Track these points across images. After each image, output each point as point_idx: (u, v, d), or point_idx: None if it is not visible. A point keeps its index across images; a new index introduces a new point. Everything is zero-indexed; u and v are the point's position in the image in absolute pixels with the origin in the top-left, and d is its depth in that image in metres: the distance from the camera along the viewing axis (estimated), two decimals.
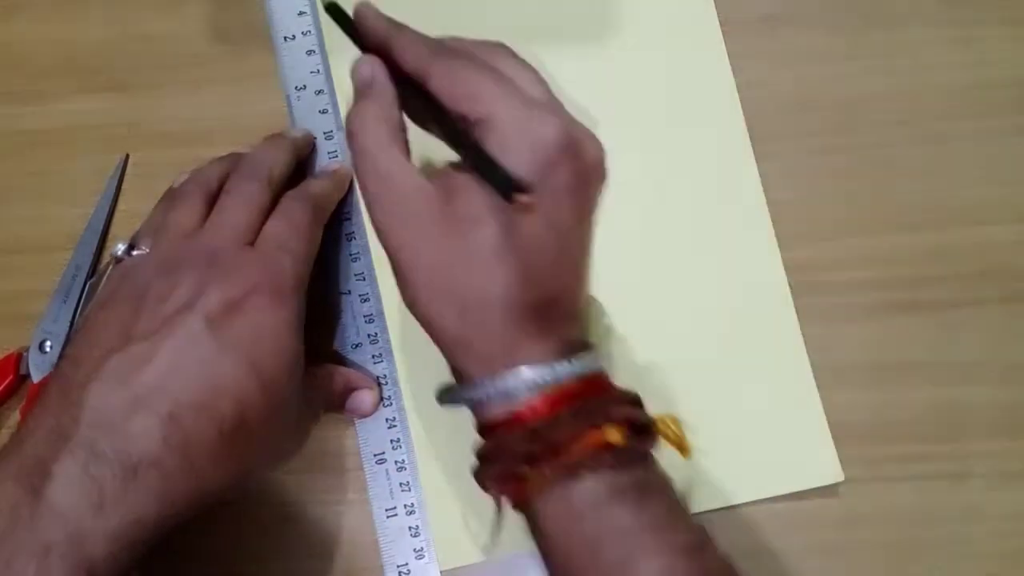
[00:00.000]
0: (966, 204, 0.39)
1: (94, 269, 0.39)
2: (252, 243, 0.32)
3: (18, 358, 0.38)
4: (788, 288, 0.38)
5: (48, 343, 0.38)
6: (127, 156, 0.40)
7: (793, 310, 0.38)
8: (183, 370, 0.28)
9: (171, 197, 0.35)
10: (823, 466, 0.37)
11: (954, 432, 0.37)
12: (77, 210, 0.40)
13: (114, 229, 0.40)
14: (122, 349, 0.29)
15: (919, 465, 0.37)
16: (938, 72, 0.40)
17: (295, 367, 0.31)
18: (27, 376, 0.38)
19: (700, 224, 0.39)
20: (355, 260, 0.38)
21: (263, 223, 0.33)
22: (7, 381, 0.38)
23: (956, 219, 0.39)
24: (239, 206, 0.33)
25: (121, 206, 0.40)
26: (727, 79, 0.39)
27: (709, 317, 0.38)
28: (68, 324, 0.38)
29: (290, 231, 0.33)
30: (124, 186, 0.40)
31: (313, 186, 0.36)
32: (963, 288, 0.38)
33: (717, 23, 0.40)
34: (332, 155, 0.39)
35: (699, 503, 0.36)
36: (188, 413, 0.28)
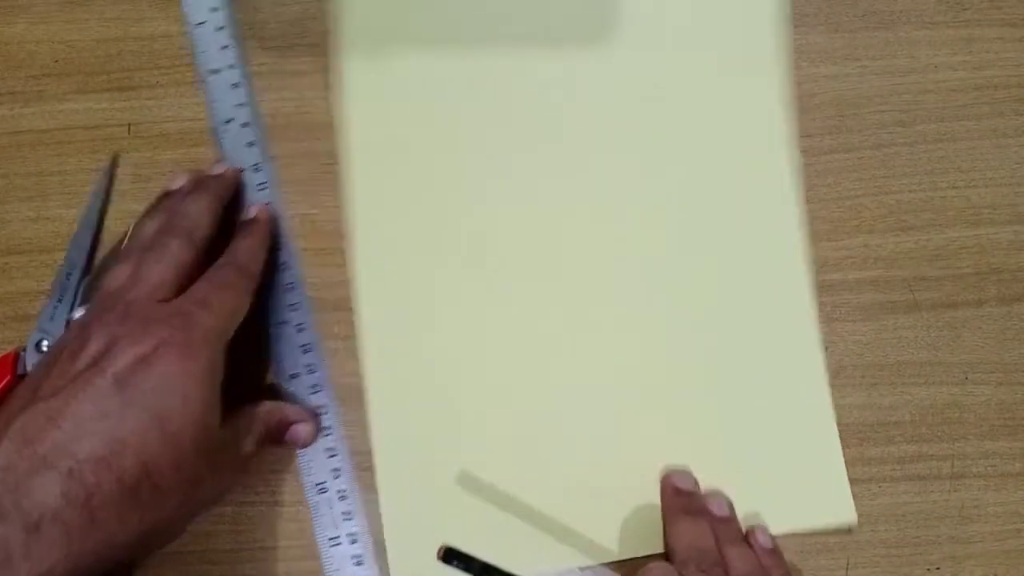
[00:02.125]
0: (966, 204, 0.39)
1: (88, 268, 0.39)
2: (169, 300, 0.32)
3: (15, 358, 0.38)
4: (816, 322, 0.38)
5: (45, 342, 0.38)
6: (116, 154, 0.40)
7: (820, 351, 0.37)
8: (85, 426, 0.29)
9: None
10: (837, 506, 0.36)
11: (954, 432, 0.37)
12: (76, 211, 0.40)
13: (107, 227, 0.40)
14: (30, 408, 0.29)
15: (919, 465, 0.37)
16: (938, 72, 0.40)
17: (206, 417, 0.31)
18: (25, 376, 0.38)
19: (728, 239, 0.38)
20: (289, 290, 0.38)
21: (186, 280, 0.33)
22: (5, 381, 0.38)
23: (956, 219, 0.39)
24: (159, 262, 0.33)
25: (121, 206, 0.40)
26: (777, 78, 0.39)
27: (730, 341, 0.38)
28: (64, 323, 0.38)
29: (210, 288, 0.33)
30: (124, 187, 0.40)
31: (239, 250, 0.36)
32: (963, 288, 0.38)
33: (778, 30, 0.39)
34: (261, 186, 0.39)
35: None
36: (88, 468, 0.28)
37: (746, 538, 0.35)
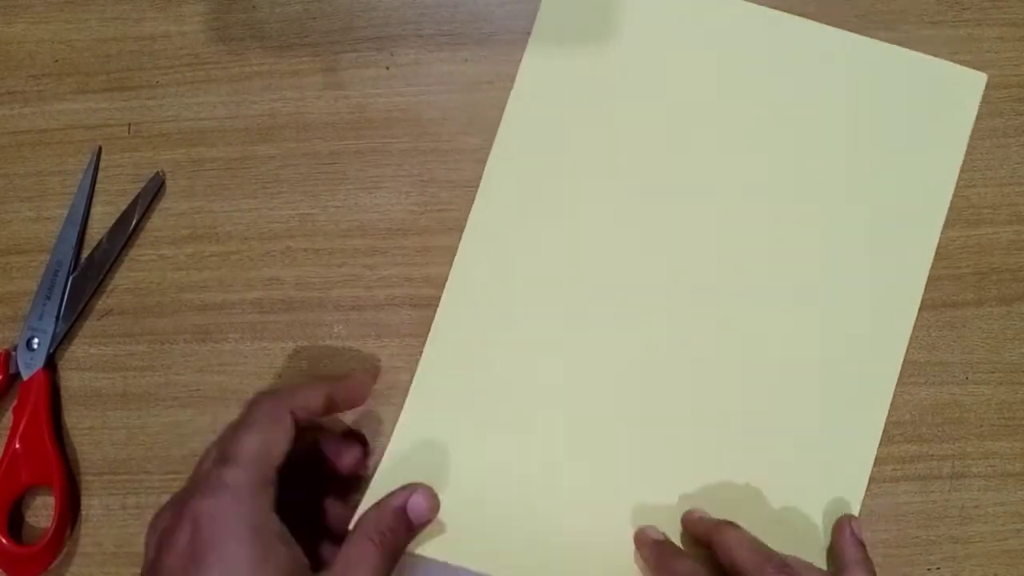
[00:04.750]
0: (966, 204, 0.39)
1: (75, 264, 0.39)
2: None
3: (6, 357, 0.38)
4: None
5: (36, 340, 0.38)
6: (99, 148, 0.40)
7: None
8: None
9: None
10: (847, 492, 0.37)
11: (954, 432, 0.37)
12: None
13: (92, 224, 0.40)
14: None
15: (919, 465, 0.37)
16: None
17: None
18: (17, 375, 0.38)
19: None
20: None
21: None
22: None
23: (956, 219, 0.39)
24: None
25: (120, 206, 0.40)
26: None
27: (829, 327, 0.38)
28: (54, 320, 0.38)
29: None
30: (124, 186, 0.40)
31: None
32: (963, 288, 0.38)
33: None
34: None
35: None
36: None
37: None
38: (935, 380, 0.38)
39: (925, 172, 0.38)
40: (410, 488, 0.34)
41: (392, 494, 0.34)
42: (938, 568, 0.37)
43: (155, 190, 0.40)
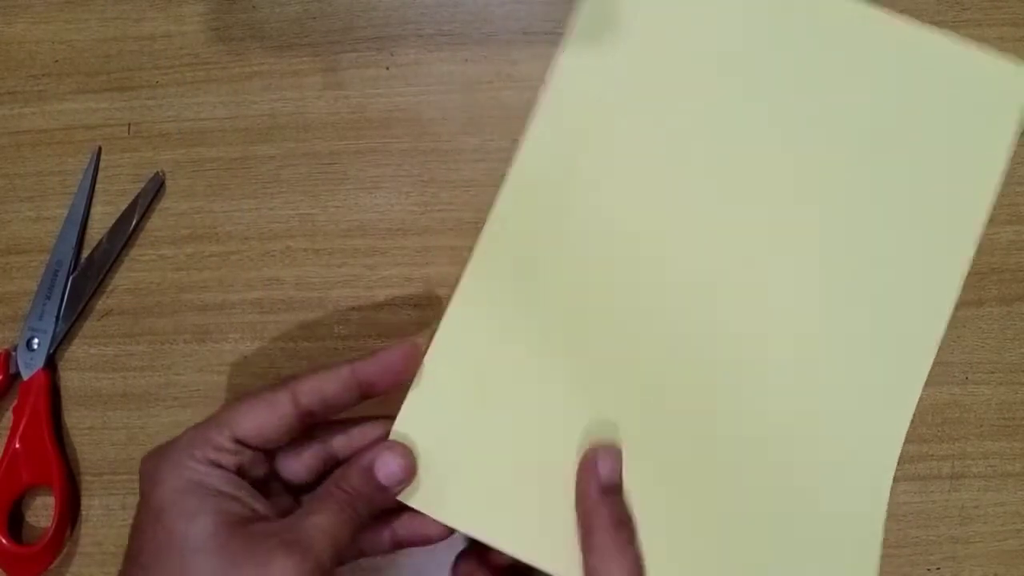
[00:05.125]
0: None
1: (75, 264, 0.39)
2: None
3: (6, 357, 0.38)
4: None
5: (36, 340, 0.38)
6: (100, 148, 0.40)
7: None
8: None
9: None
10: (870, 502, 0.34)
11: (954, 432, 0.37)
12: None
13: (92, 224, 0.40)
14: None
15: (919, 465, 0.37)
16: None
17: None
18: (17, 375, 0.38)
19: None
20: None
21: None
22: None
23: None
24: None
25: (120, 205, 0.40)
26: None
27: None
28: (53, 320, 0.38)
29: None
30: (123, 186, 0.40)
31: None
32: (963, 288, 0.38)
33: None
34: None
35: None
36: None
37: None
38: (935, 380, 0.37)
39: (967, 167, 0.37)
40: (382, 446, 0.32)
41: (362, 452, 0.32)
42: (938, 568, 0.37)
43: (155, 190, 0.40)
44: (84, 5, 0.41)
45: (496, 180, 0.36)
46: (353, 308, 0.39)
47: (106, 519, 0.39)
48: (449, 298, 0.35)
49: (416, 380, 0.35)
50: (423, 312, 0.39)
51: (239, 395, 0.31)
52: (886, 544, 0.36)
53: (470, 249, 0.35)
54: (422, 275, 0.39)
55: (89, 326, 0.40)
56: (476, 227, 0.36)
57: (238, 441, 0.30)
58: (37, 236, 0.40)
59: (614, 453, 0.33)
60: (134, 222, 0.39)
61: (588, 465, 0.32)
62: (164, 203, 0.40)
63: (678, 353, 0.36)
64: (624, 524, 0.31)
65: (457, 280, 0.35)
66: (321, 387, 0.31)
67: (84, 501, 0.39)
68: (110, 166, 0.40)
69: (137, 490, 0.39)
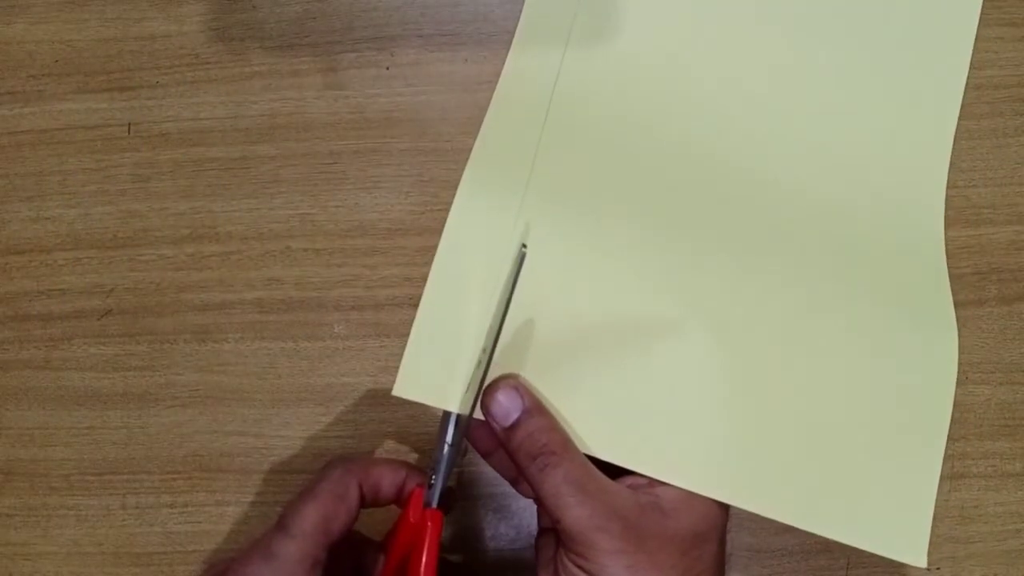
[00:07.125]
0: (966, 204, 0.39)
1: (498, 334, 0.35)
2: None
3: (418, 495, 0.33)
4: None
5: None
6: (524, 247, 0.36)
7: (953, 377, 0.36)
8: None
9: None
10: (909, 541, 0.33)
11: (954, 432, 0.37)
12: (76, 210, 0.40)
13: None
14: None
15: None
16: None
17: None
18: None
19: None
20: None
21: None
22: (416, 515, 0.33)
23: (956, 219, 0.39)
24: None
25: (120, 206, 0.40)
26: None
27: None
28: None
29: None
30: (123, 186, 0.40)
31: None
32: (963, 288, 0.38)
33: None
34: None
35: (746, 499, 0.33)
36: None
37: None
38: None
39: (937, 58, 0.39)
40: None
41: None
42: (938, 568, 0.37)
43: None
44: (84, 5, 0.41)
45: None
46: (353, 308, 0.39)
47: (106, 519, 0.39)
48: None
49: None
50: None
51: (305, 492, 0.31)
52: None
53: None
54: (422, 275, 0.39)
55: (89, 326, 0.40)
56: None
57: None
58: (37, 236, 0.40)
59: (501, 391, 0.33)
60: None
61: (487, 417, 0.33)
62: (164, 203, 0.40)
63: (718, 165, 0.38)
64: (533, 456, 0.31)
65: None
66: (380, 484, 0.32)
67: (84, 501, 0.39)
68: (110, 166, 0.40)
69: (137, 489, 0.39)
